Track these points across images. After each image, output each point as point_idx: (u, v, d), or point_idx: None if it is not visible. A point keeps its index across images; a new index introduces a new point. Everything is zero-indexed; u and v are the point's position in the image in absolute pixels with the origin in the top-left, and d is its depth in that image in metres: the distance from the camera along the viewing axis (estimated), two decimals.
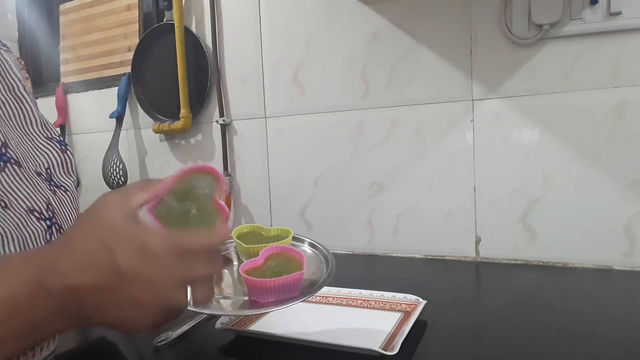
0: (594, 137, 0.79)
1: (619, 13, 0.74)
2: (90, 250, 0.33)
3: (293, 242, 0.54)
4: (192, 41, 1.11)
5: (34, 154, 0.49)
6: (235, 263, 0.52)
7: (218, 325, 0.57)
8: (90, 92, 1.32)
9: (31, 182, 0.45)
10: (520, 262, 0.85)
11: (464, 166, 0.88)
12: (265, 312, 0.43)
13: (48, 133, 0.52)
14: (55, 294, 0.32)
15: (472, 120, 0.87)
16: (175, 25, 1.09)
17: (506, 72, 0.84)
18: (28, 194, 0.44)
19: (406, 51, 0.91)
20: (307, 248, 0.55)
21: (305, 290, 0.46)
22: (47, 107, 1.34)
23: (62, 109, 1.34)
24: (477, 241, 0.88)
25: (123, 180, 1.21)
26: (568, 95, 0.80)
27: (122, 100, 1.22)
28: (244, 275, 0.45)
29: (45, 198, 0.46)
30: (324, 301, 0.65)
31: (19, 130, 0.49)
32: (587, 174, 0.80)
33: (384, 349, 0.48)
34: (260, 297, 0.45)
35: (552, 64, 0.80)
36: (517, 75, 0.83)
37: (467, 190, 0.88)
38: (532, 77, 0.82)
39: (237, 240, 0.52)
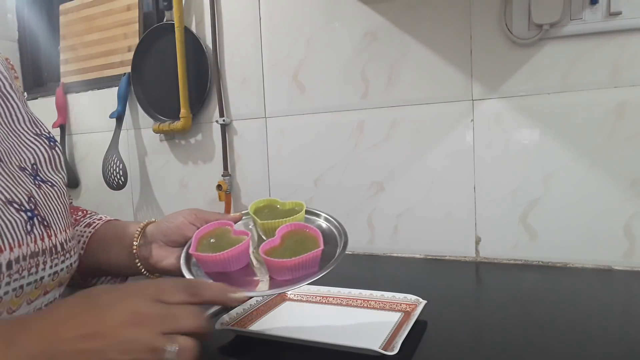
0: (594, 137, 0.79)
1: (619, 13, 0.74)
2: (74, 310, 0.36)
3: (308, 216, 0.57)
4: (192, 41, 1.11)
5: (20, 150, 0.50)
6: (248, 235, 0.53)
7: (218, 325, 0.57)
8: (90, 92, 1.32)
9: (11, 177, 0.46)
10: (520, 262, 0.85)
11: (464, 166, 0.88)
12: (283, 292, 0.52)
13: (37, 130, 0.53)
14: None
15: (472, 120, 0.87)
16: (175, 25, 1.09)
17: (506, 72, 0.84)
18: (7, 186, 0.44)
19: (406, 51, 0.91)
20: (322, 222, 0.58)
21: (323, 264, 0.48)
22: (47, 107, 1.34)
23: (62, 109, 1.34)
24: (477, 241, 0.88)
25: (123, 180, 1.21)
26: (568, 95, 0.80)
27: (122, 100, 1.22)
28: (264, 256, 0.47)
29: (27, 191, 0.46)
30: (324, 301, 0.65)
31: (4, 127, 0.49)
32: (587, 174, 0.80)
33: (384, 349, 0.48)
34: (282, 276, 0.47)
35: (552, 64, 0.80)
36: (517, 75, 0.83)
37: (467, 190, 0.88)
38: (532, 77, 0.82)
39: (254, 216, 0.56)
